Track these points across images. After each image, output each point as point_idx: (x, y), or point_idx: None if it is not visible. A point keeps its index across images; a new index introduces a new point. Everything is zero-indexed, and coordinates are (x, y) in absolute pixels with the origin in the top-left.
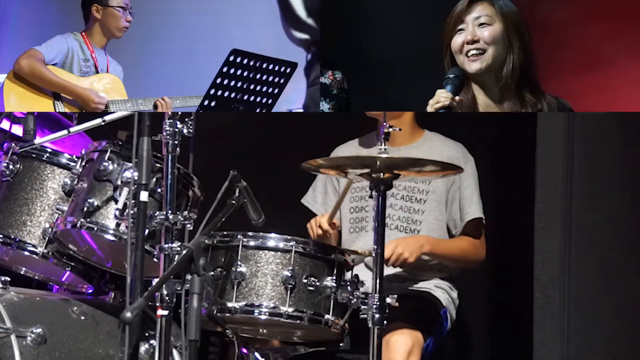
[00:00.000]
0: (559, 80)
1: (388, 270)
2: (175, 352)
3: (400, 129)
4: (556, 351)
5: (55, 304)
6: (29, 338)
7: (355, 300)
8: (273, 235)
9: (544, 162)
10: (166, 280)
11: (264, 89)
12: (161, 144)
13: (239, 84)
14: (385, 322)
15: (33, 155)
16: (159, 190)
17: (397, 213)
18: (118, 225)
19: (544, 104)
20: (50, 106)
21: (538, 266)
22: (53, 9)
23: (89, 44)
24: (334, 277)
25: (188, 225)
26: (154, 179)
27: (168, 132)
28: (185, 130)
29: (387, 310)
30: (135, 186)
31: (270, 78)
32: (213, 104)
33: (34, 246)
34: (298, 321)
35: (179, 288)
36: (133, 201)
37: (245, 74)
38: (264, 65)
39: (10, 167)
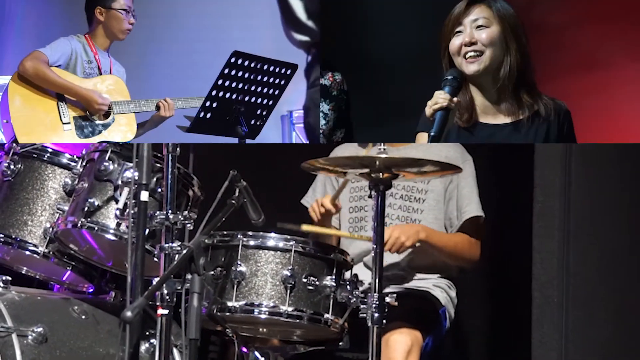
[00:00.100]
0: (556, 82)
1: (387, 270)
2: (175, 351)
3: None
4: (554, 350)
5: (56, 303)
6: (30, 337)
7: (354, 299)
8: (273, 234)
9: (542, 162)
10: (166, 280)
11: (265, 90)
12: (161, 144)
13: (240, 86)
14: (384, 321)
15: (34, 155)
16: (159, 190)
17: (396, 212)
18: (118, 224)
19: (541, 105)
20: (54, 107)
21: (536, 265)
22: (57, 11)
23: (93, 46)
24: (334, 277)
25: (188, 225)
26: (155, 179)
27: None
28: None
29: (386, 310)
30: (136, 186)
31: (271, 79)
32: (214, 105)
33: (35, 246)
34: (298, 320)
35: (179, 287)
36: (133, 201)
37: (247, 75)
38: (265, 67)
39: (12, 167)
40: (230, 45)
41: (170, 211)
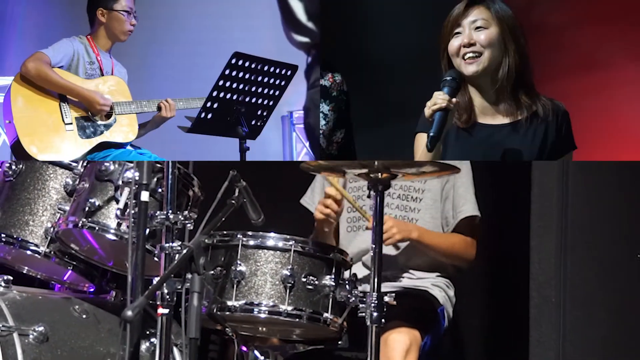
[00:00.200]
0: (555, 83)
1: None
2: (175, 350)
3: None
4: (552, 349)
5: (57, 303)
6: (31, 336)
7: (353, 298)
8: (272, 234)
9: (540, 163)
10: (167, 279)
11: (265, 91)
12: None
13: (241, 86)
14: (383, 320)
15: None
16: (160, 190)
17: (393, 212)
18: (119, 224)
19: (539, 106)
20: (57, 108)
21: (534, 265)
22: (59, 12)
23: (94, 47)
24: (333, 276)
25: (188, 225)
26: (155, 179)
27: None
28: None
29: (385, 309)
30: (136, 186)
31: (272, 80)
32: (215, 105)
33: (36, 245)
34: (297, 319)
35: (179, 287)
36: (134, 201)
37: (247, 76)
38: (265, 68)
39: (13, 167)
40: (231, 46)
41: (170, 211)
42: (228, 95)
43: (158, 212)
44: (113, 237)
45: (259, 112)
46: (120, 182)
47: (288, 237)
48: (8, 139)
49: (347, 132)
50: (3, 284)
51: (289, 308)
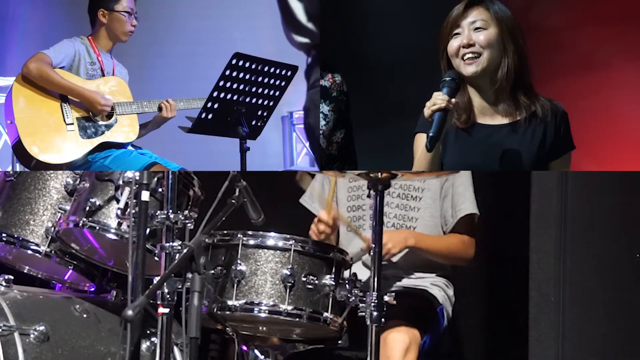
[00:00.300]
0: (554, 83)
1: (385, 269)
2: (176, 349)
3: None
4: (551, 348)
5: (57, 302)
6: (32, 335)
7: (353, 298)
8: (272, 234)
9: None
10: (167, 279)
11: (266, 91)
12: None
13: (241, 87)
14: (383, 319)
15: None
16: (160, 189)
17: (393, 211)
18: (120, 224)
19: (538, 106)
20: (58, 108)
21: (534, 264)
22: (60, 13)
23: (96, 47)
24: (333, 276)
25: (189, 224)
26: (155, 179)
27: None
28: None
29: (384, 308)
30: (137, 186)
31: (272, 81)
32: (216, 106)
33: (37, 245)
34: (297, 319)
35: (179, 286)
36: (134, 200)
37: (247, 76)
38: (266, 69)
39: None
40: (231, 47)
41: (171, 211)
42: (228, 96)
43: (158, 212)
44: (114, 237)
45: (259, 113)
46: (120, 182)
47: (288, 236)
48: (9, 139)
49: (347, 133)
50: (4, 284)
51: (289, 307)
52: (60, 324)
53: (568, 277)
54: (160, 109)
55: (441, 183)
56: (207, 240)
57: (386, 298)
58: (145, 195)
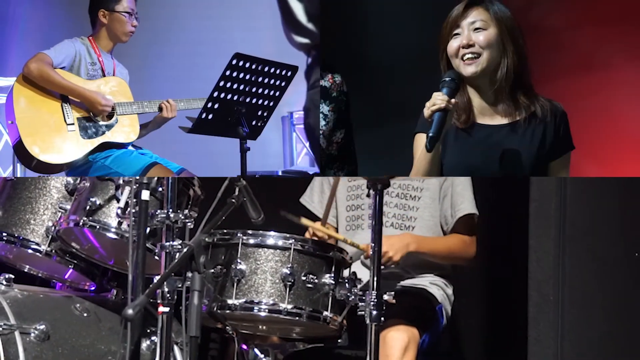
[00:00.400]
0: (554, 83)
1: (384, 268)
2: (176, 348)
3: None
4: (550, 347)
5: (58, 301)
6: (32, 334)
7: (353, 297)
8: (272, 233)
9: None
10: (167, 278)
11: (266, 91)
12: None
13: (242, 87)
14: (382, 318)
15: None
16: (160, 189)
17: (392, 210)
18: (120, 223)
19: (537, 107)
20: (59, 108)
21: (533, 264)
22: (61, 14)
23: (96, 48)
24: (332, 275)
25: (189, 224)
26: (155, 178)
27: None
28: None
29: (384, 307)
30: (137, 185)
31: (272, 81)
32: (216, 106)
33: (37, 244)
34: (297, 318)
35: (179, 285)
36: (135, 200)
37: (248, 77)
38: (266, 69)
39: None
40: (232, 47)
41: (171, 210)
42: (229, 96)
43: (159, 211)
44: (114, 236)
45: (260, 113)
46: (120, 181)
47: (288, 235)
48: (10, 140)
49: (347, 133)
50: (5, 283)
51: (289, 306)
52: (61, 322)
53: (567, 276)
54: (160, 109)
55: (440, 183)
56: (207, 239)
57: (385, 297)
58: (145, 195)
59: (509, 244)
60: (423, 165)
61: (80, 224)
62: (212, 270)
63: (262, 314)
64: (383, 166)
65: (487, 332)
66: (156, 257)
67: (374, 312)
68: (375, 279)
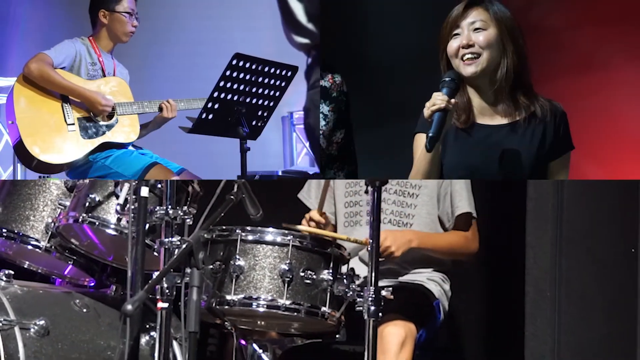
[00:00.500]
0: (554, 83)
1: (381, 264)
2: (175, 343)
3: None
4: (547, 343)
5: (57, 297)
6: (32, 330)
7: (351, 293)
8: (271, 229)
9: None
10: (166, 274)
11: (266, 91)
12: None
13: (242, 87)
14: (380, 314)
15: None
16: (159, 185)
17: (390, 207)
18: (119, 219)
19: (537, 107)
20: (59, 109)
21: (530, 260)
22: (61, 14)
23: (96, 48)
24: (331, 271)
25: (188, 220)
26: None
27: None
28: None
29: (382, 303)
30: (136, 182)
31: (272, 81)
32: (216, 106)
33: (37, 240)
34: (295, 313)
35: (178, 281)
36: (134, 196)
37: (248, 77)
38: (266, 69)
39: None
40: (232, 47)
41: (170, 206)
42: (229, 96)
43: (157, 207)
44: (113, 232)
45: (260, 113)
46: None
47: (286, 231)
48: (11, 140)
49: (347, 133)
50: (4, 279)
51: (287, 302)
52: (60, 318)
53: (564, 272)
54: (160, 109)
55: (439, 182)
56: (205, 235)
57: (383, 293)
58: (144, 191)
59: (507, 242)
60: (423, 166)
61: (80, 220)
62: (211, 266)
63: (261, 309)
64: (383, 166)
65: (485, 328)
66: (155, 253)
67: (372, 308)
68: (373, 274)
